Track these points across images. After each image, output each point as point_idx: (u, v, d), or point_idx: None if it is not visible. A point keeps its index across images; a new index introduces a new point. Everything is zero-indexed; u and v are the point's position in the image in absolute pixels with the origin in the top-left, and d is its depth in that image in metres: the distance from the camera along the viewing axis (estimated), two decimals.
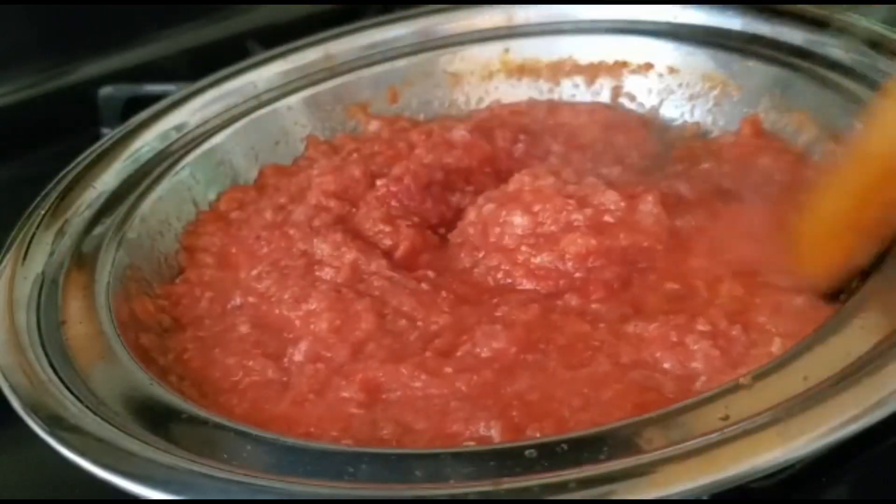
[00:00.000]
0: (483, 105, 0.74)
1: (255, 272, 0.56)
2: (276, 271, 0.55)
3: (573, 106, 0.71)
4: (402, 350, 0.48)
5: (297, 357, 0.49)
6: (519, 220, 0.54)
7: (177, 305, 0.56)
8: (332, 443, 0.43)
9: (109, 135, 0.67)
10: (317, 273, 0.54)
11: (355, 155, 0.68)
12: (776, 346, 0.43)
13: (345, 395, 0.46)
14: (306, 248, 0.57)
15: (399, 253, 0.57)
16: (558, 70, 0.73)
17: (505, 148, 0.66)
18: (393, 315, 0.51)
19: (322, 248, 0.56)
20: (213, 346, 0.52)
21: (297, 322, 0.52)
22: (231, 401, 0.48)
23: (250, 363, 0.50)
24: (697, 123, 0.68)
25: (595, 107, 0.71)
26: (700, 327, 0.45)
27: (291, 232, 0.58)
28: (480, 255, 0.55)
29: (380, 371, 0.47)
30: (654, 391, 0.43)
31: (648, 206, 0.53)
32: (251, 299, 0.55)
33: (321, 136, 0.72)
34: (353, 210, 0.60)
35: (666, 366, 0.45)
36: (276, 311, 0.53)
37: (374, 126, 0.73)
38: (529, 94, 0.74)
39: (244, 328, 0.52)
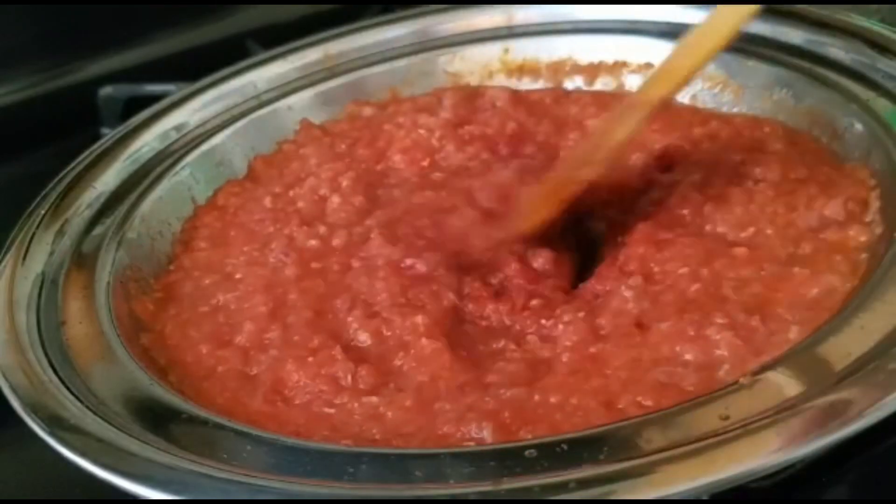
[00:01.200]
0: None
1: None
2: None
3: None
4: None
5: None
6: None
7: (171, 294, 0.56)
8: (332, 443, 0.43)
9: (109, 135, 0.67)
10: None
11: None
12: (794, 333, 0.43)
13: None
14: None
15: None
16: (558, 70, 0.73)
17: None
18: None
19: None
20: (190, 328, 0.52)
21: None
22: (213, 388, 0.47)
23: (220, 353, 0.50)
24: None
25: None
26: (719, 320, 0.44)
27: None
28: None
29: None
30: (672, 387, 0.42)
31: None
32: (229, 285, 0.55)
33: None
34: None
35: (688, 357, 0.43)
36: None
37: (367, 112, 0.72)
38: None
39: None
